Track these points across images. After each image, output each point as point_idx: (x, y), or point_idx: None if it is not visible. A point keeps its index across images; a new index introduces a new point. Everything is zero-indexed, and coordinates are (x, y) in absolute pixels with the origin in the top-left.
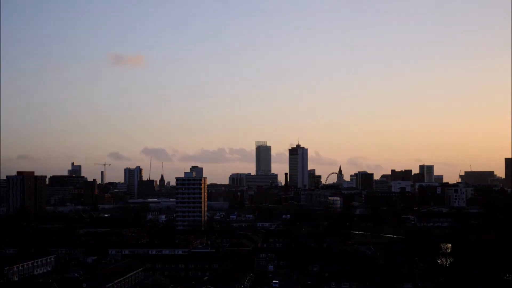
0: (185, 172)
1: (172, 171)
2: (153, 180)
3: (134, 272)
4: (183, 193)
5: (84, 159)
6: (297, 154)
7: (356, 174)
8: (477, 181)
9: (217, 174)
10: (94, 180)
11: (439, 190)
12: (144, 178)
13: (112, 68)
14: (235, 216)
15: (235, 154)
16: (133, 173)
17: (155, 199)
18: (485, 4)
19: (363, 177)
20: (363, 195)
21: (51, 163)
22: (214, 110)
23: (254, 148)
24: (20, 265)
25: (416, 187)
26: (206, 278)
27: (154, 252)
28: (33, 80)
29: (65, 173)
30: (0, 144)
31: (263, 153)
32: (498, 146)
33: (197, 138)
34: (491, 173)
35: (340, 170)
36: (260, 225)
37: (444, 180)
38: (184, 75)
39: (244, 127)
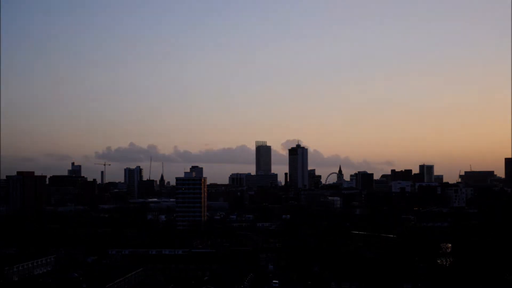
0: (185, 172)
1: (172, 171)
2: (153, 180)
3: (134, 272)
4: (183, 193)
5: (83, 159)
6: (297, 154)
7: (356, 174)
8: (477, 181)
9: (217, 174)
10: (94, 180)
11: (439, 190)
12: (144, 178)
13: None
14: (235, 216)
15: (235, 154)
16: (133, 173)
17: (155, 199)
18: (486, 6)
19: (363, 177)
20: (363, 195)
21: (51, 163)
22: (215, 110)
23: (254, 148)
24: (20, 265)
25: (416, 187)
26: (206, 278)
27: (154, 252)
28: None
29: (65, 173)
30: (0, 144)
31: (263, 153)
32: (498, 146)
33: (198, 138)
34: (491, 173)
35: (340, 170)
36: (260, 225)
37: (444, 180)
38: (187, 74)
39: (244, 127)
